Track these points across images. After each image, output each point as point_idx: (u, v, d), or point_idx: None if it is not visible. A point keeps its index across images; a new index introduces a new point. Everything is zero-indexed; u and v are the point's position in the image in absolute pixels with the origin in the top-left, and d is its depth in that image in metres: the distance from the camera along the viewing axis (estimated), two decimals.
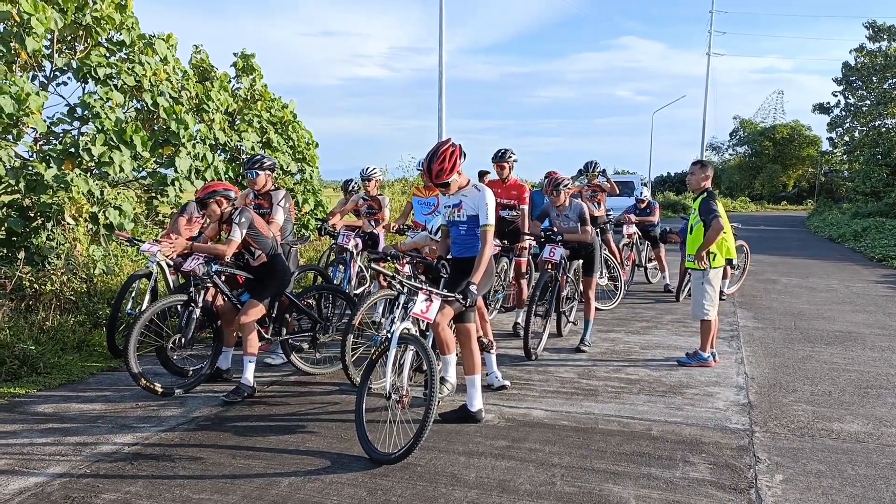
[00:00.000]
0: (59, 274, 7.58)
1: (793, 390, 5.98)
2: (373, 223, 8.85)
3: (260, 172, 6.67)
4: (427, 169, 4.93)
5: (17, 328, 6.53)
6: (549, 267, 7.23)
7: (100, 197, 8.79)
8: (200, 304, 5.72)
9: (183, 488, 3.93)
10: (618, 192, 10.97)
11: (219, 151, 11.85)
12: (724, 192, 54.69)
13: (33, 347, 6.38)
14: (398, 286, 4.72)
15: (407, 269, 5.70)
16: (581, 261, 7.58)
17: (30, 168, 8.55)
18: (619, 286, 10.16)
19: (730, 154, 62.11)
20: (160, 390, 5.54)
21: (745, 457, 4.48)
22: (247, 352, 5.68)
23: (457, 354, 5.26)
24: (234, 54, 13.48)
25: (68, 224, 8.34)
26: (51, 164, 8.71)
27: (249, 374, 5.66)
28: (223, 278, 5.86)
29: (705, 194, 6.77)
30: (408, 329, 4.57)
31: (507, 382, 5.97)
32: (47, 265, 7.85)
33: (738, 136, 60.71)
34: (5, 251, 8.42)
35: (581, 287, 7.68)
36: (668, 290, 11.44)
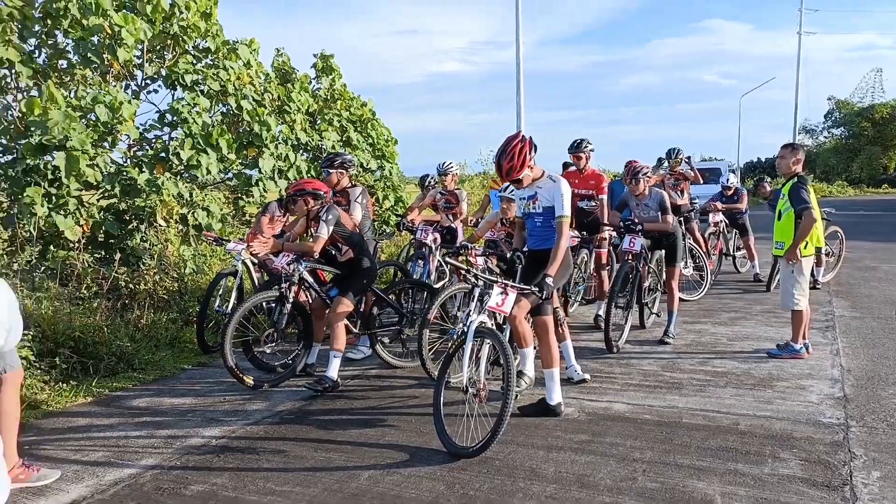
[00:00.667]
0: (153, 273, 7.91)
1: (893, 383, 5.66)
2: (450, 217, 8.86)
3: (331, 171, 6.79)
4: (497, 166, 4.90)
5: (114, 326, 6.85)
6: (630, 258, 7.08)
7: (189, 199, 9.13)
8: (291, 300, 5.86)
9: (267, 480, 4.04)
10: (701, 180, 10.63)
11: (301, 151, 12.12)
12: (820, 177, 52.25)
13: (129, 344, 6.69)
14: (472, 279, 4.71)
15: (480, 261, 5.69)
16: (663, 251, 7.39)
17: (124, 173, 8.95)
18: (705, 276, 9.85)
19: (825, 136, 59.25)
20: (251, 383, 5.72)
21: (840, 453, 4.26)
22: (334, 347, 5.78)
23: (534, 348, 5.20)
24: (314, 55, 13.76)
25: (160, 226, 8.70)
26: (143, 169, 9.09)
27: (334, 369, 5.75)
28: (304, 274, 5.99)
29: (796, 179, 6.47)
30: (484, 322, 4.56)
31: (586, 376, 5.88)
32: (141, 265, 8.21)
33: (833, 118, 57.83)
34: (103, 252, 8.84)
35: (664, 277, 7.48)
36: (759, 280, 11.00)
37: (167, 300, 7.93)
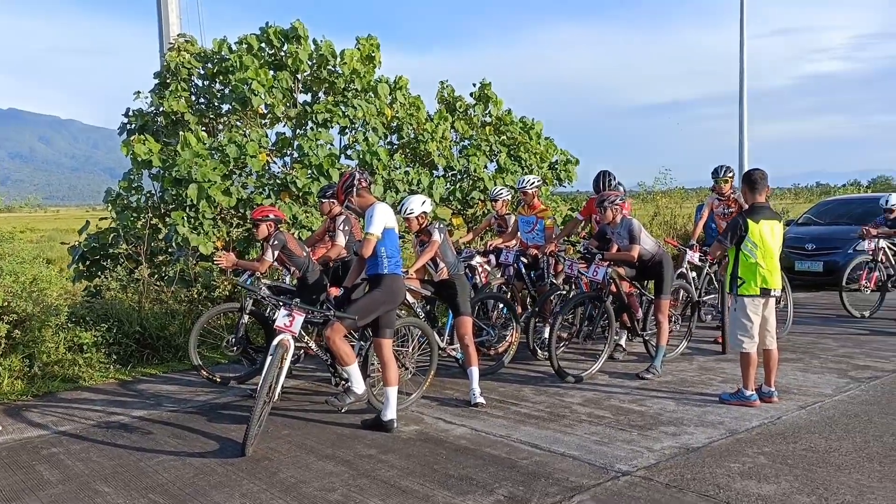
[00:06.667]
0: (225, 283, 9.57)
1: (794, 440, 4.96)
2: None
3: (324, 200, 7.72)
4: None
5: (181, 323, 8.57)
6: (601, 287, 6.91)
7: (299, 220, 10.71)
8: (248, 311, 6.99)
9: (88, 451, 5.20)
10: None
11: (439, 175, 13.15)
12: None
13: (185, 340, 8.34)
14: (266, 301, 5.38)
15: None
16: (652, 281, 7.06)
17: (252, 200, 10.82)
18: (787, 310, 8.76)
19: None
20: (217, 379, 6.93)
21: (559, 494, 4.18)
22: None
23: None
24: (473, 84, 14.71)
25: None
26: (269, 196, 10.89)
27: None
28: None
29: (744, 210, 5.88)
30: (287, 339, 5.21)
31: (481, 400, 6.07)
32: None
33: None
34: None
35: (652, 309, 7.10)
36: None
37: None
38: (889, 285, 10.12)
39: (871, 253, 10.14)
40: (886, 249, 10.21)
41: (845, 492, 4.13)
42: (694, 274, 9.14)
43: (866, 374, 6.82)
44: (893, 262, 10.32)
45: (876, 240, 10.07)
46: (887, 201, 10.24)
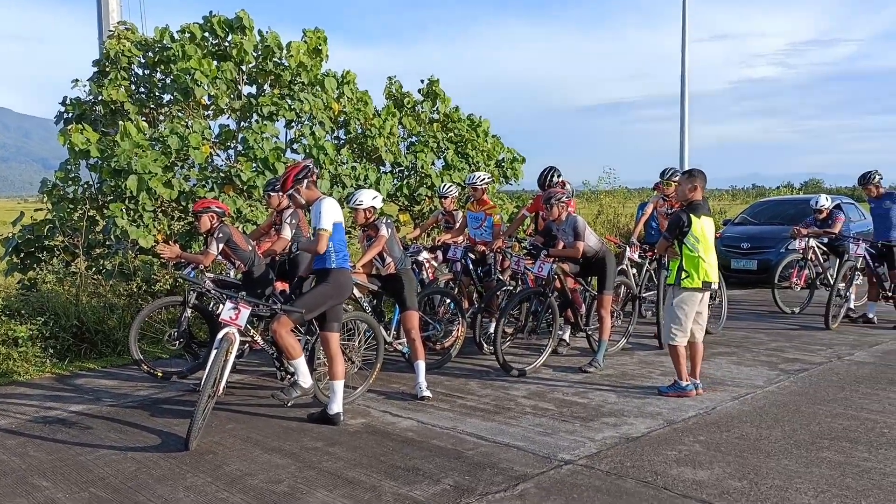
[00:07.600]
0: (166, 276, 9.41)
1: (727, 429, 5.16)
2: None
3: (272, 194, 7.66)
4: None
5: (121, 317, 8.39)
6: (546, 283, 7.04)
7: (243, 213, 10.58)
8: (191, 305, 6.89)
9: (25, 446, 5.07)
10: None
11: (387, 171, 13.15)
12: None
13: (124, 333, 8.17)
14: (212, 294, 5.35)
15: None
16: (595, 277, 7.23)
17: (194, 193, 10.64)
18: (721, 307, 9.07)
19: None
20: (159, 374, 6.81)
21: (504, 483, 4.26)
22: None
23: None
24: (421, 81, 14.74)
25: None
26: (212, 189, 10.72)
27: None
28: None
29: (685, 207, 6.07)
30: (232, 333, 5.17)
31: (428, 394, 6.12)
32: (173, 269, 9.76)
33: None
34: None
35: (595, 305, 7.27)
36: (868, 321, 9.59)
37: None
38: (818, 283, 10.56)
39: (801, 252, 10.54)
40: (816, 248, 10.64)
41: (774, 476, 4.32)
42: (635, 270, 9.39)
43: (795, 366, 7.10)
44: (822, 261, 10.76)
45: (806, 239, 10.47)
46: (817, 202, 10.65)
